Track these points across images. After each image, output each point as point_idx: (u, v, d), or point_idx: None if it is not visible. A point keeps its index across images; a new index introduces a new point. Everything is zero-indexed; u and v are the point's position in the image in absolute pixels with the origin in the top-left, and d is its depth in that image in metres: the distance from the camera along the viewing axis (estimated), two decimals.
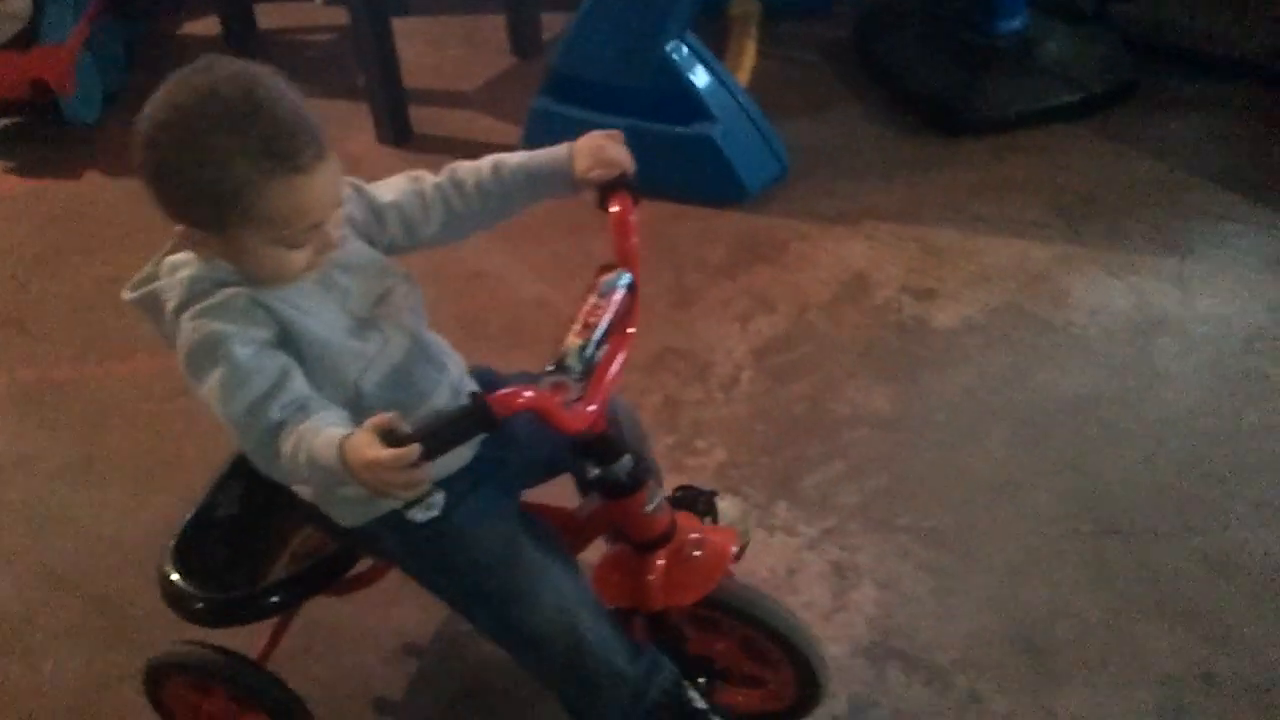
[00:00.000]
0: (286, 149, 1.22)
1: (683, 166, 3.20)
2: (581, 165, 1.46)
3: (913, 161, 3.41)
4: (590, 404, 1.33)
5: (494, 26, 4.28)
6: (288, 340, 1.32)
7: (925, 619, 2.07)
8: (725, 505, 1.81)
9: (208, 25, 4.52)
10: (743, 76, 3.69)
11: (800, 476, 2.38)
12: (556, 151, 1.49)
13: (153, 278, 1.37)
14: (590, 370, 1.33)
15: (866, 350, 2.71)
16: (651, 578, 1.56)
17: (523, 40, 4.19)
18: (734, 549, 1.62)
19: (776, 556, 2.21)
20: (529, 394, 1.24)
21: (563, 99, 3.36)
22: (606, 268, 1.43)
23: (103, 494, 2.54)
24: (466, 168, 1.51)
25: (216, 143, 1.21)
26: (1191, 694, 1.93)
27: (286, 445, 1.23)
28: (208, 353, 1.27)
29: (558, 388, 1.31)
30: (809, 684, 1.75)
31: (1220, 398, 2.51)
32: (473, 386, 1.54)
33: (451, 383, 1.52)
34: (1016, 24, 3.59)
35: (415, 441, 1.12)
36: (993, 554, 2.17)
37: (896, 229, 3.11)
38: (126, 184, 3.68)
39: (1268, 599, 2.08)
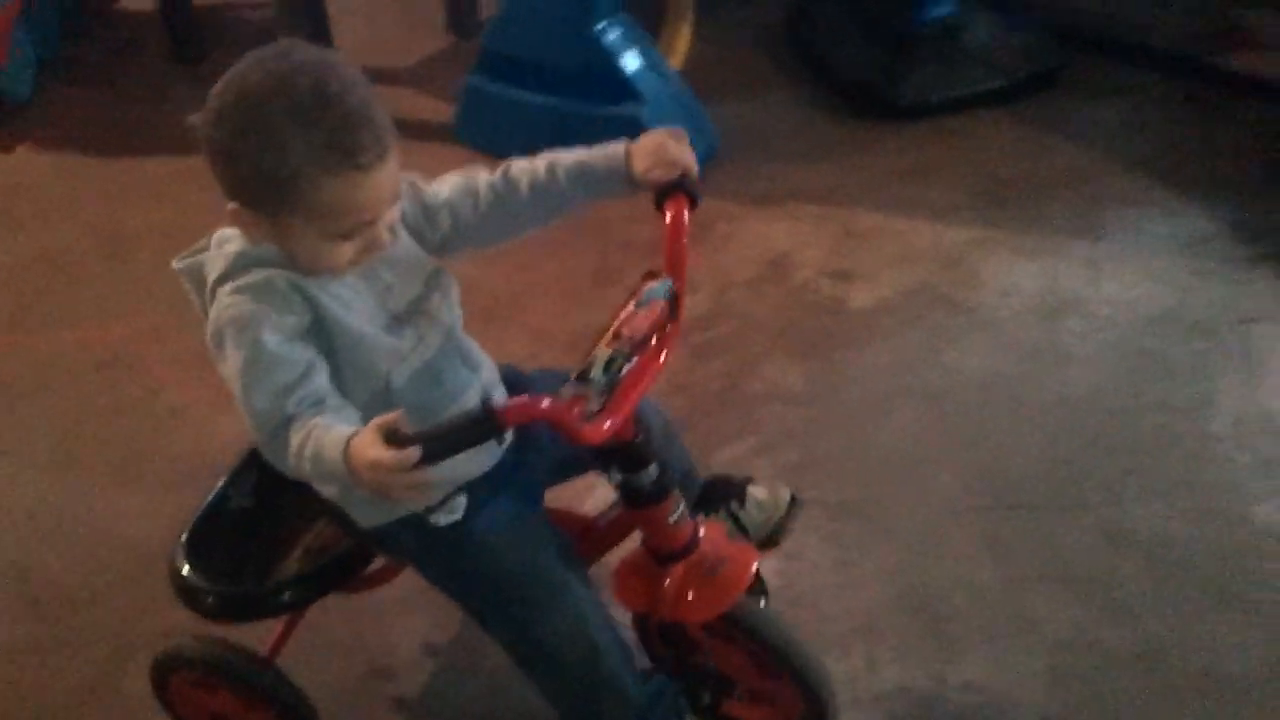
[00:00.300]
0: (349, 145, 1.20)
1: None
2: (641, 165, 1.40)
3: (839, 145, 3.45)
4: (608, 419, 1.26)
5: (432, 4, 4.27)
6: (320, 329, 1.30)
7: (827, 589, 2.11)
8: (757, 489, 1.77)
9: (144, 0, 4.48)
10: (676, 60, 3.71)
11: (713, 451, 2.41)
12: (613, 149, 1.43)
13: (203, 249, 1.35)
14: (616, 383, 1.27)
15: (784, 329, 2.75)
16: (667, 589, 1.52)
17: (460, 18, 4.19)
18: (754, 565, 1.55)
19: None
20: (543, 405, 1.20)
21: (495, 77, 3.37)
22: (651, 274, 1.36)
23: (14, 468, 2.53)
24: (521, 166, 1.46)
25: (281, 130, 1.19)
26: (1081, 661, 1.98)
27: (296, 439, 1.21)
28: (237, 332, 1.25)
29: (577, 398, 1.25)
30: (815, 707, 1.68)
31: (1122, 377, 2.56)
32: (502, 390, 1.52)
33: (483, 384, 1.48)
34: (943, 11, 3.63)
35: (417, 444, 1.09)
36: (895, 527, 2.22)
37: (820, 211, 3.15)
38: (58, 158, 3.67)
39: (1158, 570, 2.14)
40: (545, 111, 3.29)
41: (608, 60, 3.23)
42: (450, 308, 1.45)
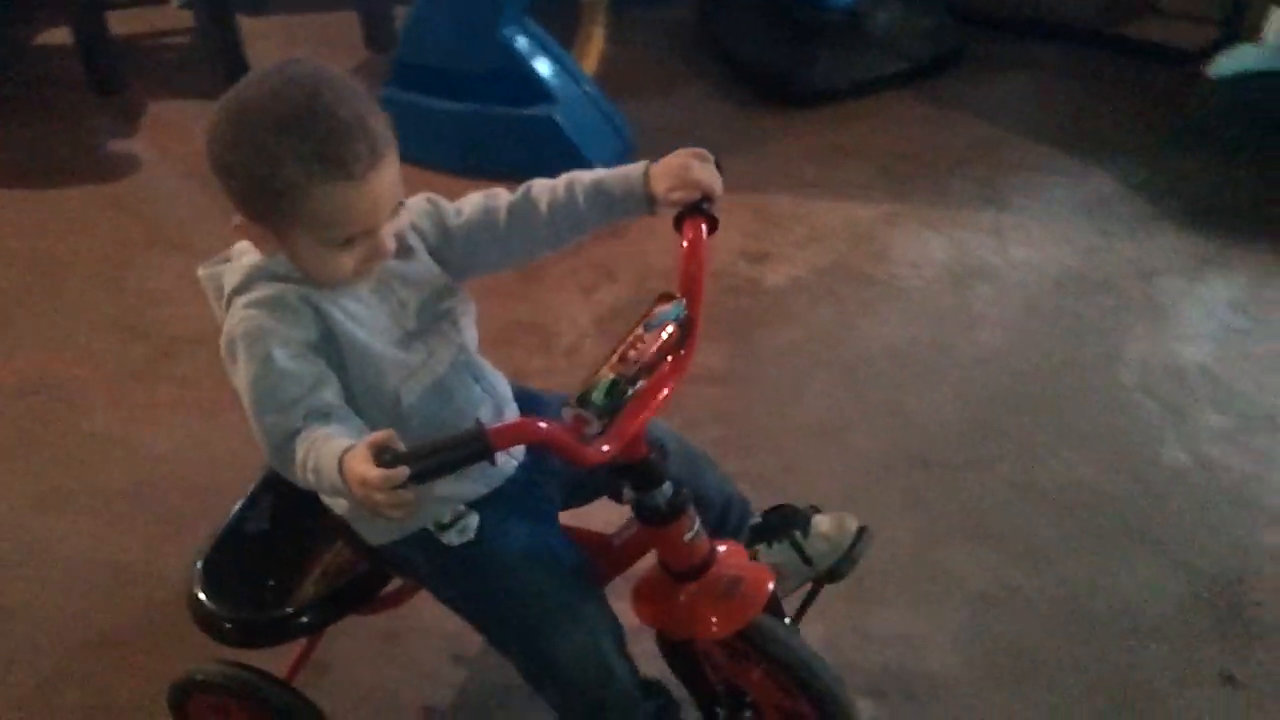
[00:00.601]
0: (338, 155, 1.18)
1: (528, 148, 3.22)
2: (662, 186, 1.35)
3: (751, 133, 3.49)
4: (608, 443, 1.22)
5: (348, 23, 4.27)
6: (331, 344, 1.29)
7: None
8: (821, 519, 1.70)
9: (61, 34, 4.43)
10: (589, 64, 3.74)
11: None
12: (634, 169, 1.37)
13: (225, 260, 1.35)
14: (619, 407, 1.21)
15: (703, 312, 2.76)
16: (682, 607, 1.47)
17: (376, 34, 4.18)
18: (771, 585, 1.48)
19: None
20: (539, 426, 1.17)
21: (408, 86, 3.36)
22: (665, 296, 1.30)
23: None
24: (541, 186, 1.41)
25: (271, 141, 1.19)
26: (997, 609, 2.01)
27: (301, 451, 1.21)
28: (249, 345, 1.25)
29: (578, 421, 1.20)
30: None
31: (1031, 337, 2.61)
32: (513, 409, 1.49)
33: (495, 402, 1.46)
34: (846, 0, 3.69)
35: (405, 463, 1.06)
36: (813, 492, 2.20)
37: (735, 197, 3.10)
38: None
39: (1071, 518, 2.17)
40: (460, 117, 3.29)
41: (517, 64, 3.25)
42: (465, 327, 1.42)
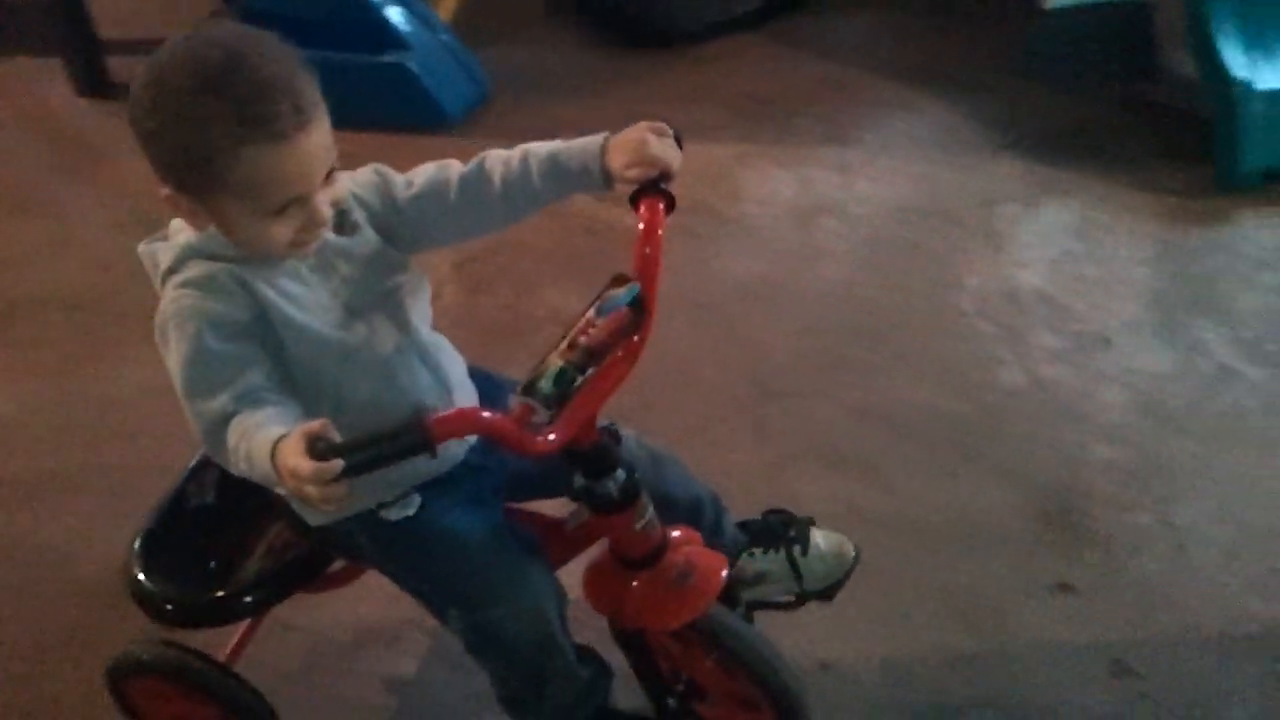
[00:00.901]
0: (262, 114, 1.10)
1: (383, 96, 3.16)
2: (618, 161, 1.27)
3: (608, 78, 3.46)
4: (555, 432, 1.15)
5: None
6: (266, 325, 1.22)
7: None
8: (821, 537, 1.66)
9: None
10: (446, 9, 3.67)
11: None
12: (590, 142, 1.29)
13: (164, 237, 1.27)
14: (567, 396, 1.14)
15: (562, 256, 2.77)
16: (633, 596, 1.41)
17: None
18: (724, 574, 1.43)
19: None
20: (482, 416, 1.11)
21: None
22: (618, 279, 1.23)
23: None
24: (496, 158, 1.33)
25: (191, 105, 1.11)
26: (842, 528, 2.05)
27: (233, 437, 1.14)
28: (179, 326, 1.18)
29: (524, 410, 1.13)
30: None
31: (874, 269, 2.67)
32: (470, 391, 1.42)
33: (446, 384, 1.37)
34: None
35: (339, 456, 1.00)
36: (666, 426, 2.25)
37: None
38: None
39: (908, 440, 2.23)
40: (311, 65, 3.21)
41: (368, 10, 3.18)
42: (414, 305, 1.34)
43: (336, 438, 1.03)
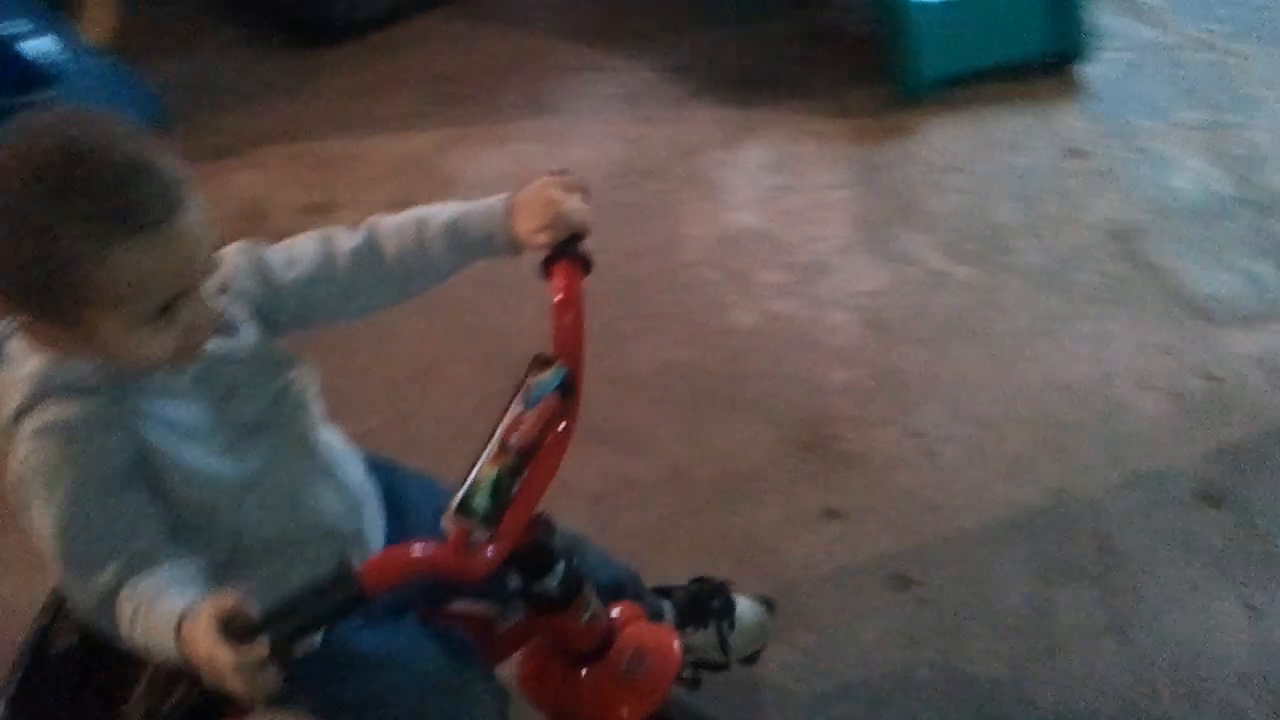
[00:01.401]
0: (123, 203, 0.91)
1: None
2: (525, 225, 1.14)
3: (288, 79, 3.26)
4: (494, 546, 1.02)
5: None
6: (149, 464, 1.02)
7: None
8: (745, 607, 1.62)
9: None
10: (99, 31, 3.35)
11: None
12: (492, 208, 1.16)
13: None
14: (504, 506, 1.01)
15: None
16: (584, 696, 1.27)
17: None
18: (681, 657, 1.31)
19: None
20: (415, 553, 0.98)
21: None
22: (540, 362, 1.10)
23: None
24: (388, 228, 1.16)
25: (32, 208, 0.91)
26: (617, 497, 2.04)
27: (125, 609, 0.97)
28: (45, 486, 0.98)
29: (460, 532, 1.00)
30: None
31: (598, 234, 2.63)
32: (374, 499, 1.24)
33: (354, 500, 1.21)
34: None
35: (260, 633, 0.86)
36: (419, 435, 2.18)
37: (285, 150, 2.97)
38: None
39: (663, 399, 2.23)
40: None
41: (5, 49, 2.85)
42: (310, 402, 1.16)
43: (252, 611, 0.88)
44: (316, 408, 1.17)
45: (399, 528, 1.25)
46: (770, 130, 2.99)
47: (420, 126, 3.02)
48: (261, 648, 0.87)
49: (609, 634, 1.26)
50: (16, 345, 1.03)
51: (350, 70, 3.27)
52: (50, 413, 0.99)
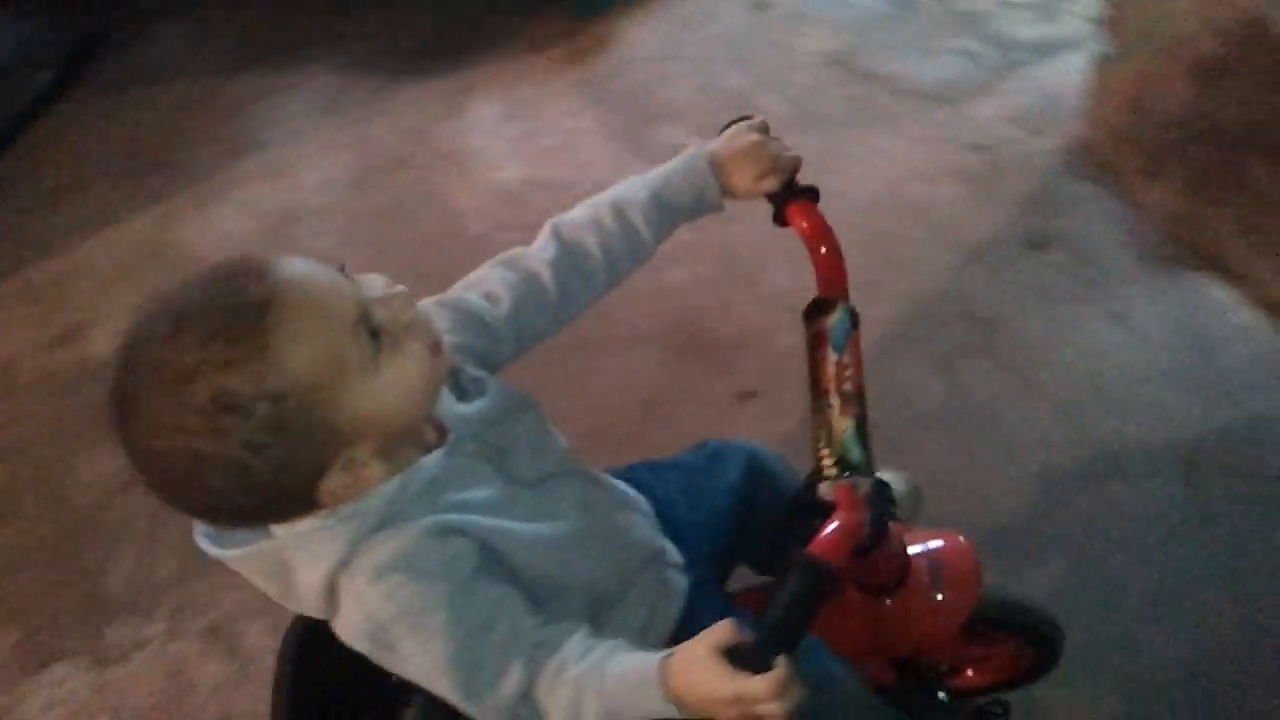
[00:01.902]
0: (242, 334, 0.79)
1: None
2: (743, 177, 1.08)
3: None
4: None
5: None
6: (494, 556, 0.92)
7: None
8: (893, 480, 1.44)
9: None
10: None
11: None
12: (692, 169, 1.08)
13: (266, 533, 0.90)
14: (869, 448, 0.97)
15: None
16: (905, 624, 1.20)
17: None
18: (971, 549, 1.24)
19: None
20: (841, 523, 0.91)
21: None
22: (820, 305, 1.04)
23: None
24: (577, 225, 1.09)
25: (207, 405, 0.78)
26: None
27: (558, 698, 0.88)
28: (411, 625, 0.87)
29: (851, 490, 0.94)
30: (1047, 652, 1.42)
31: (383, 245, 2.51)
32: (644, 502, 1.15)
33: (630, 503, 1.13)
34: None
35: (778, 650, 0.80)
36: None
37: None
38: None
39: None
40: None
41: None
42: (554, 429, 1.06)
43: (740, 635, 0.83)
44: (562, 437, 1.09)
45: (664, 526, 1.18)
46: (487, 85, 2.93)
47: (129, 210, 2.74)
48: (781, 666, 0.82)
49: (904, 556, 1.20)
50: (276, 560, 0.90)
51: (25, 177, 2.90)
52: (382, 551, 0.89)
